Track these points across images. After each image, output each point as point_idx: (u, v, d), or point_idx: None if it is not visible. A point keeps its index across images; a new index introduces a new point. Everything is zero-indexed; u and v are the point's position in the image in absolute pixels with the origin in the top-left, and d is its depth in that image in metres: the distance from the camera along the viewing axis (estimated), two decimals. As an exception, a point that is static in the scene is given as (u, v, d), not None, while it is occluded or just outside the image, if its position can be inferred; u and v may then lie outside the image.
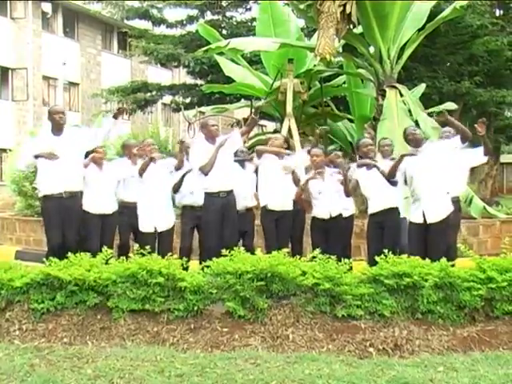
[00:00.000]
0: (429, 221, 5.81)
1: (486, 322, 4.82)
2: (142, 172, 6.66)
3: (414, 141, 6.00)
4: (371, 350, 4.47)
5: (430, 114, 10.19)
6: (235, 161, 6.79)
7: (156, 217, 6.66)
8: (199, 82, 19.65)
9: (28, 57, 25.06)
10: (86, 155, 6.76)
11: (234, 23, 20.75)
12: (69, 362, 4.24)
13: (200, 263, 6.01)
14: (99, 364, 4.20)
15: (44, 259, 5.30)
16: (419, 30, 10.44)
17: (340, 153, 7.55)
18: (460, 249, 5.39)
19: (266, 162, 6.87)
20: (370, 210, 6.45)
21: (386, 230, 6.23)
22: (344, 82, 12.59)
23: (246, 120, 12.68)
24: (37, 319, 4.86)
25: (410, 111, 9.64)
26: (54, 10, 26.74)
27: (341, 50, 11.49)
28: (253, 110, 7.87)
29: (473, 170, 8.15)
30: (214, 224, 6.40)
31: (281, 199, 6.76)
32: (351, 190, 6.58)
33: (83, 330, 4.78)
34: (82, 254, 5.19)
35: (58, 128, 6.41)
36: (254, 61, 14.67)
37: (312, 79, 11.53)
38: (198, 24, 16.15)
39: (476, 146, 6.35)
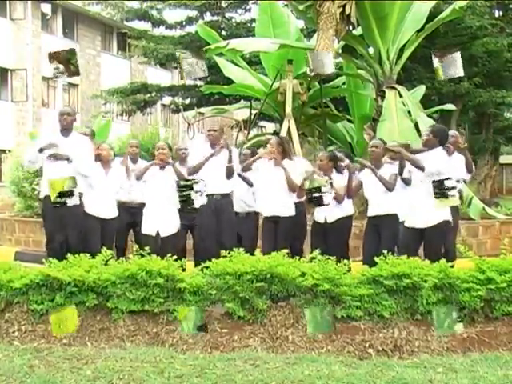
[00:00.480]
0: (422, 226, 5.75)
1: (485, 323, 4.82)
2: (140, 175, 6.52)
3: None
4: (371, 350, 4.47)
5: (429, 115, 10.20)
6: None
7: (160, 221, 6.47)
8: (198, 83, 19.67)
9: (27, 58, 25.04)
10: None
11: (234, 24, 20.80)
12: (68, 363, 4.24)
13: (195, 265, 5.99)
14: (99, 365, 4.19)
15: (43, 260, 5.29)
16: (418, 30, 10.44)
17: (344, 157, 6.99)
18: (459, 250, 5.39)
19: (262, 168, 6.60)
20: (369, 213, 6.44)
21: (383, 236, 6.18)
22: (343, 83, 12.58)
23: (245, 121, 12.75)
24: (36, 320, 4.86)
25: (409, 112, 9.66)
26: (54, 11, 26.78)
27: (340, 51, 11.51)
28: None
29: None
30: (208, 226, 6.38)
31: (275, 205, 6.44)
32: (354, 190, 6.58)
33: (82, 331, 4.78)
34: (81, 254, 5.19)
35: (63, 129, 6.42)
36: (253, 62, 14.68)
37: (311, 80, 11.51)
38: (198, 25, 16.20)
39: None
